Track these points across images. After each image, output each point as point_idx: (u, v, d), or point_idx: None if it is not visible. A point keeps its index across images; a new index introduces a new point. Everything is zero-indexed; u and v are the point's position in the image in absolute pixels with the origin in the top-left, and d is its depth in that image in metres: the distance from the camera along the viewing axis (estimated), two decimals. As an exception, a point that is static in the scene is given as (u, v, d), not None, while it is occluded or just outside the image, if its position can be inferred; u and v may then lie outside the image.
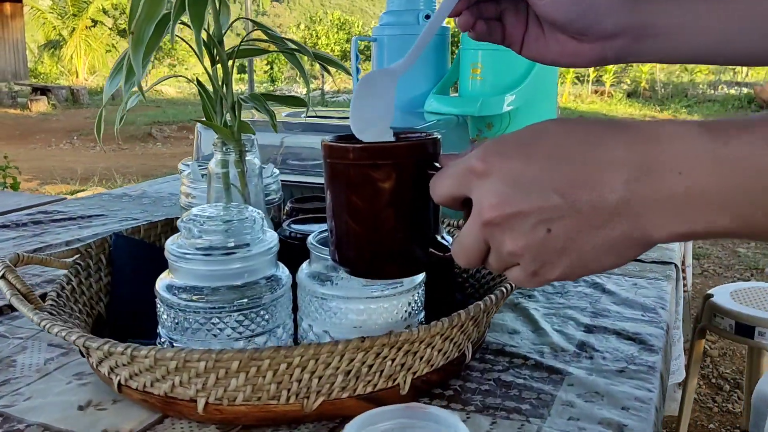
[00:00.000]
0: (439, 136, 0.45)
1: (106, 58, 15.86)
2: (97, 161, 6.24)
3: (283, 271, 0.55)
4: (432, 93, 1.03)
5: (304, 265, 0.57)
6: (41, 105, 10.84)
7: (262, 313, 0.52)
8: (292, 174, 0.86)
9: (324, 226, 0.63)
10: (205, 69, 0.59)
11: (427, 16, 1.05)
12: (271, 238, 0.54)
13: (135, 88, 0.53)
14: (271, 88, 12.39)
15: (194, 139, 0.95)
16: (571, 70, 10.80)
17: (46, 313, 0.53)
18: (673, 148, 0.34)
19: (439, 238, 0.45)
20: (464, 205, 0.40)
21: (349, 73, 0.60)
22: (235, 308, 0.51)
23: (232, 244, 0.52)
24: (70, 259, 0.65)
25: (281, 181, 0.83)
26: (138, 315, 0.61)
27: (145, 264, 0.70)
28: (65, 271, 0.63)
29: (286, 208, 0.75)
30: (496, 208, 0.36)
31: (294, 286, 0.56)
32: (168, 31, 0.49)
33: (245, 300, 0.51)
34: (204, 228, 0.52)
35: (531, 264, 0.37)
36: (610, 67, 9.55)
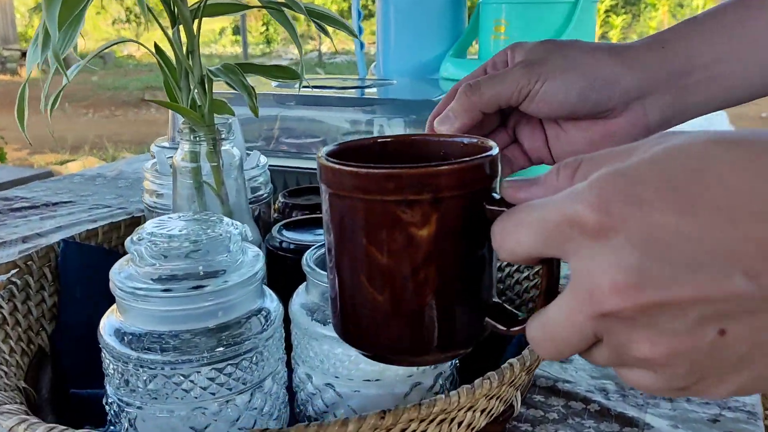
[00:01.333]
0: (496, 149, 0.30)
1: (97, 20, 15.52)
2: (89, 129, 6.05)
3: (272, 301, 0.42)
4: (448, 56, 0.88)
5: (300, 291, 0.43)
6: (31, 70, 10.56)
7: (244, 364, 0.38)
8: (285, 157, 0.72)
9: (325, 235, 0.49)
10: (164, 31, 0.45)
11: (440, -35, 0.89)
12: (255, 259, 0.40)
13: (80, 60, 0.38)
14: (268, 50, 12.00)
15: (169, 116, 0.80)
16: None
17: (-47, 366, 0.39)
18: None
19: (497, 303, 0.32)
20: (544, 261, 0.28)
21: (351, 33, 0.45)
22: (206, 361, 0.37)
23: (202, 273, 0.38)
24: (4, 277, 0.52)
25: (273, 167, 0.68)
26: (91, 348, 0.47)
27: (103, 279, 0.56)
28: (-3, 294, 0.49)
29: (278, 203, 0.61)
30: (628, 293, 0.23)
31: (287, 316, 0.43)
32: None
33: (221, 348, 0.38)
34: (162, 251, 0.38)
35: (681, 377, 0.24)
36: (616, 23, 9.23)
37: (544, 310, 0.27)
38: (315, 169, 0.73)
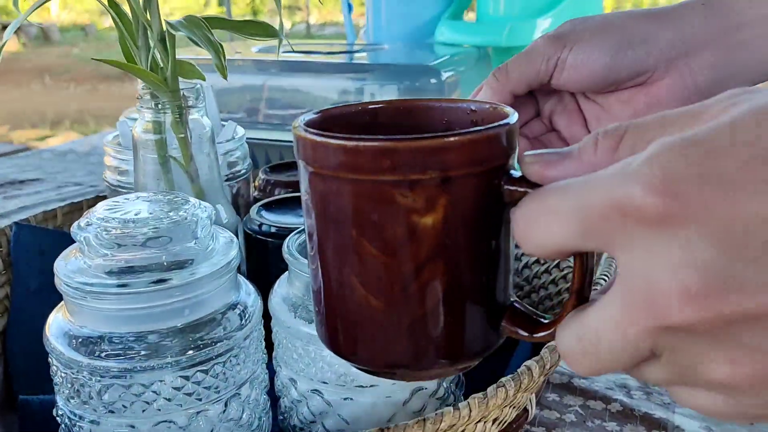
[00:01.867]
0: (515, 115, 0.25)
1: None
2: (70, 103, 5.90)
3: (249, 294, 0.36)
4: (443, 18, 0.81)
5: (282, 281, 0.38)
6: (11, 43, 10.35)
7: (216, 369, 0.33)
8: (268, 129, 0.66)
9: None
10: (117, -21, 0.38)
11: None
12: (227, 246, 0.34)
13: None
14: (253, 22, 11.70)
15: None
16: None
17: None
18: None
19: (516, 304, 0.26)
20: (577, 253, 0.23)
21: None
22: (171, 367, 0.32)
23: (164, 264, 0.32)
24: (-52, 267, 0.46)
25: (253, 140, 0.62)
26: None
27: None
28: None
29: (258, 179, 0.55)
30: (703, 301, 0.18)
31: (267, 310, 0.37)
32: None
33: (189, 352, 0.32)
34: (115, 238, 0.32)
35: (763, 405, 0.19)
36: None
37: (581, 317, 0.22)
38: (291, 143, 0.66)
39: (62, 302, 0.34)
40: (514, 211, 0.23)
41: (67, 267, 0.33)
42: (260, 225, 0.44)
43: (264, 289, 0.40)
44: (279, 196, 0.48)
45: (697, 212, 0.18)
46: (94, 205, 0.55)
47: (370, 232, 0.24)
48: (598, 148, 0.22)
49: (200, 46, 0.34)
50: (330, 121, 0.28)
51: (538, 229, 0.22)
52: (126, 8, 0.39)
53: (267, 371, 0.37)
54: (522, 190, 0.24)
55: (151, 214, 0.33)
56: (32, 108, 6.02)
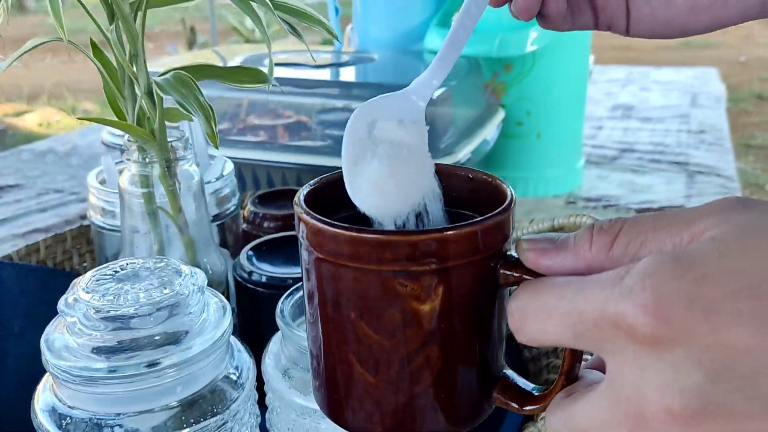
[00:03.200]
0: (512, 197, 0.26)
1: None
2: (48, 75, 5.77)
3: (241, 357, 0.35)
4: (432, 25, 0.80)
5: (274, 343, 0.37)
6: (-15, 12, 10.06)
7: (209, 443, 0.32)
8: (254, 148, 0.64)
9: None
10: (101, 31, 0.36)
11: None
12: (220, 315, 0.34)
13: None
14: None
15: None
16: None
17: None
18: None
19: (508, 374, 0.28)
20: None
21: (331, 33, 0.38)
22: (163, 446, 0.31)
23: (157, 341, 0.31)
24: (-72, 312, 0.44)
25: (240, 160, 0.61)
26: (34, 389, 0.40)
27: (48, 307, 0.49)
28: None
29: (247, 209, 0.54)
30: (688, 422, 0.19)
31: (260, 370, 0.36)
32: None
33: (184, 429, 0.31)
34: (103, 318, 0.31)
35: None
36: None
37: (570, 406, 0.23)
38: (287, 164, 0.65)
39: (48, 375, 0.33)
40: (510, 302, 0.24)
41: (54, 345, 0.31)
42: (250, 273, 0.43)
43: (255, 339, 0.40)
44: (268, 236, 0.47)
45: (685, 337, 0.19)
46: (76, 237, 0.54)
47: (369, 316, 0.25)
48: (593, 245, 0.23)
49: (189, 112, 0.33)
50: (330, 188, 0.29)
51: (533, 324, 0.23)
52: (111, 58, 0.37)
53: (260, 433, 0.37)
54: (517, 275, 0.25)
55: (141, 290, 0.32)
56: (8, 81, 5.88)
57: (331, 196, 0.29)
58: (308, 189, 0.28)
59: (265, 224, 0.52)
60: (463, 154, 0.63)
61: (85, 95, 5.01)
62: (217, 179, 0.47)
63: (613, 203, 0.80)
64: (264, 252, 0.45)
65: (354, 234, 0.24)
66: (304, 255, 0.27)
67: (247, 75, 0.39)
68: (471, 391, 0.27)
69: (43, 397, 0.33)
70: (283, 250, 0.45)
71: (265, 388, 0.36)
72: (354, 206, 0.28)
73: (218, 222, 0.48)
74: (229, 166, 0.48)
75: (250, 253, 0.44)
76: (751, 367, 0.19)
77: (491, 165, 0.82)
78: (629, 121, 1.14)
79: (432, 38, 0.78)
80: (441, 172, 0.30)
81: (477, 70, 0.76)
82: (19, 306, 0.48)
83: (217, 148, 0.33)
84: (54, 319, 0.34)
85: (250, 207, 0.53)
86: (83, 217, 0.77)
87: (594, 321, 0.21)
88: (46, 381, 0.34)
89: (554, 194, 0.83)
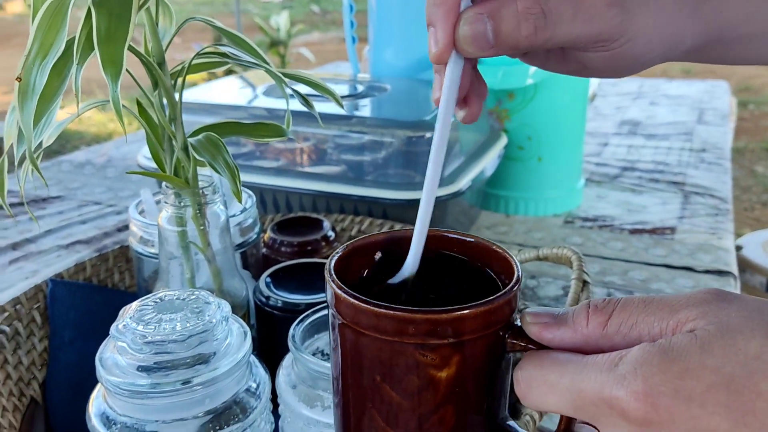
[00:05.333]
0: (519, 268, 0.30)
1: None
2: (79, 69, 5.89)
3: (258, 373, 0.42)
4: (442, 56, 0.85)
5: (287, 362, 0.44)
6: (17, 5, 10.30)
7: (231, 446, 0.39)
8: (273, 174, 0.71)
9: (315, 297, 0.49)
10: (147, 96, 0.43)
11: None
12: (241, 340, 0.40)
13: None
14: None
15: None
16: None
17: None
18: None
19: (511, 425, 0.31)
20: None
21: (339, 103, 0.44)
22: (194, 447, 0.38)
23: (189, 361, 0.38)
24: (-7, 324, 0.52)
25: (261, 185, 0.68)
26: (85, 391, 0.48)
27: (93, 318, 0.57)
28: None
29: (267, 235, 0.60)
30: None
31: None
32: (69, 75, 0.33)
33: (209, 434, 0.38)
34: (147, 342, 0.38)
35: None
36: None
37: None
38: (304, 190, 0.71)
39: (100, 385, 0.40)
40: (517, 371, 0.28)
41: (107, 363, 0.38)
42: (268, 298, 0.49)
43: (271, 355, 0.46)
44: (284, 263, 0.53)
45: (669, 422, 0.23)
46: (118, 256, 0.61)
47: (392, 380, 0.28)
48: (589, 322, 0.27)
49: (218, 172, 0.39)
50: (358, 254, 0.33)
51: (537, 395, 0.27)
52: (153, 116, 0.44)
53: (275, 438, 0.43)
54: (523, 344, 0.28)
55: (177, 320, 0.39)
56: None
57: (358, 260, 0.33)
58: (337, 256, 0.31)
59: (283, 249, 0.58)
60: (464, 183, 0.69)
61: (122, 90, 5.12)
62: (241, 212, 0.54)
63: (609, 223, 0.85)
64: (280, 278, 0.52)
65: (381, 310, 0.27)
66: (332, 320, 0.30)
67: (267, 130, 0.46)
68: None
69: (96, 404, 0.40)
70: (298, 277, 0.52)
71: (278, 399, 0.43)
72: (378, 269, 0.33)
73: (242, 249, 0.55)
74: (251, 201, 0.55)
75: (268, 279, 0.51)
76: None
77: (495, 186, 0.88)
78: (635, 138, 1.18)
79: (441, 68, 0.84)
80: (456, 239, 0.33)
81: (482, 99, 0.82)
82: (69, 319, 0.55)
83: (240, 203, 0.40)
84: (106, 341, 0.41)
85: (270, 233, 0.60)
86: (119, 230, 0.85)
87: (591, 400, 0.24)
88: (98, 390, 0.41)
89: (554, 213, 0.88)
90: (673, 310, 0.25)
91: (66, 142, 4.26)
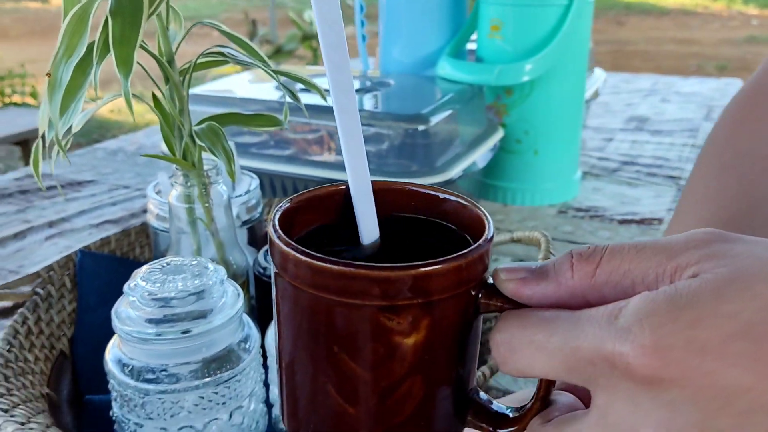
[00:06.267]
0: (491, 228, 0.26)
1: None
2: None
3: (250, 330, 0.49)
4: (445, 54, 0.91)
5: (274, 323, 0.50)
6: (57, -2, 10.60)
7: (224, 390, 0.46)
8: (280, 162, 0.78)
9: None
10: (159, 89, 0.50)
11: (441, -38, 0.91)
12: (235, 299, 0.47)
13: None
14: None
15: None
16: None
17: (-13, 383, 0.47)
18: None
19: (482, 397, 0.28)
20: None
21: (324, 97, 0.50)
22: (192, 388, 0.45)
23: (189, 317, 0.45)
24: (30, 287, 0.59)
25: (267, 171, 0.75)
26: (103, 348, 0.55)
27: (115, 285, 0.64)
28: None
29: (269, 216, 0.67)
30: None
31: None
32: (89, 75, 0.40)
33: (205, 379, 0.45)
34: (154, 298, 0.45)
35: None
36: None
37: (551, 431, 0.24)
38: (307, 176, 0.78)
39: (116, 336, 0.48)
40: (494, 334, 0.25)
41: (121, 315, 0.45)
42: (265, 269, 0.56)
43: (267, 318, 0.53)
44: (283, 239, 0.60)
45: (683, 378, 0.19)
46: (139, 233, 0.68)
47: (352, 349, 0.24)
48: (575, 272, 0.23)
49: (216, 156, 0.46)
50: (304, 208, 0.29)
51: (521, 358, 0.23)
52: (167, 106, 0.51)
53: (264, 387, 0.50)
54: (498, 304, 0.25)
55: (180, 280, 0.45)
56: (83, 67, 6.21)
57: (306, 214, 0.28)
58: (283, 208, 0.27)
59: (284, 228, 0.65)
60: (455, 173, 0.75)
61: (140, 83, 5.30)
62: (246, 193, 0.60)
63: (600, 213, 0.90)
64: (277, 252, 0.58)
65: (338, 268, 0.23)
66: (279, 283, 0.26)
67: (264, 121, 0.52)
68: (448, 417, 0.27)
69: (112, 351, 0.47)
70: (293, 251, 0.58)
71: (267, 354, 0.49)
72: (327, 221, 0.29)
73: (248, 225, 0.62)
74: (255, 183, 0.62)
75: (266, 253, 0.58)
76: (748, 406, 0.19)
77: (493, 177, 0.93)
78: (640, 134, 1.22)
79: (443, 66, 0.90)
80: (413, 191, 0.30)
81: (480, 94, 0.87)
82: (94, 285, 0.62)
83: (233, 182, 0.46)
84: (121, 298, 0.48)
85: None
86: (144, 211, 0.93)
87: (589, 359, 0.21)
88: (114, 340, 0.48)
89: (549, 204, 0.93)
90: (671, 253, 0.22)
91: (106, 132, 4.42)
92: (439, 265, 0.23)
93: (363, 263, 0.23)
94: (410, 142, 0.75)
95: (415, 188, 0.30)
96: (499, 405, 0.28)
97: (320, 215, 0.29)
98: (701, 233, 0.22)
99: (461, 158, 0.78)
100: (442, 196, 0.29)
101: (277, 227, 0.26)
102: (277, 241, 0.25)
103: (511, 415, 0.27)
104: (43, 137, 0.48)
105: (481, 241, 0.25)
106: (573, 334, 0.22)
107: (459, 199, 0.29)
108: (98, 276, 0.63)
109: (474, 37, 0.94)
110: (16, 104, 3.93)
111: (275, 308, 0.28)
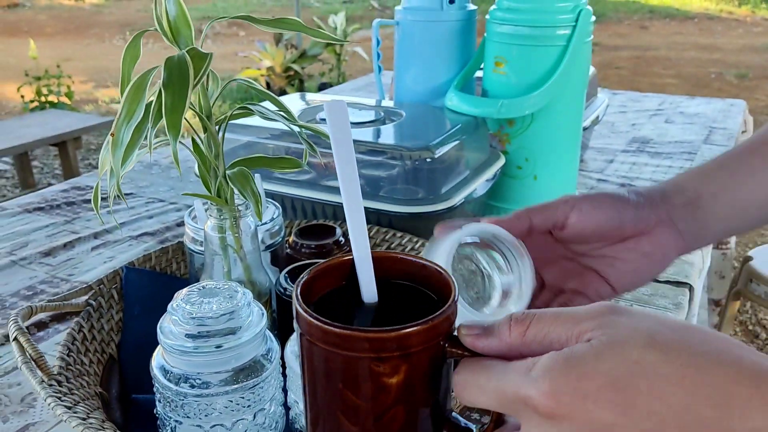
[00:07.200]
0: (455, 290, 0.35)
1: None
2: (151, 61, 6.20)
3: (272, 344, 0.57)
4: (453, 87, 0.99)
5: (293, 338, 0.59)
6: (93, -4, 10.83)
7: (249, 394, 0.55)
8: (300, 187, 0.87)
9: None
10: (197, 135, 0.59)
11: (451, 1, 0.99)
12: (259, 318, 0.56)
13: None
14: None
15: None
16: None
17: (54, 383, 0.56)
18: None
19: (454, 416, 0.38)
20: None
21: (314, 152, 0.59)
22: (223, 393, 0.54)
23: (222, 332, 0.53)
24: (83, 299, 0.69)
25: (286, 194, 0.83)
26: (149, 353, 0.64)
27: (156, 297, 0.73)
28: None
29: (291, 238, 0.76)
30: None
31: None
32: (144, 134, 0.49)
33: (234, 385, 0.54)
34: (192, 317, 0.53)
35: None
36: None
37: None
38: (323, 200, 0.87)
39: (159, 346, 0.57)
40: (454, 375, 0.34)
41: (164, 330, 0.54)
42: (285, 289, 0.65)
43: (286, 333, 0.61)
44: (300, 262, 0.69)
45: (570, 416, 0.28)
46: (175, 250, 0.77)
47: (352, 386, 0.34)
48: (511, 332, 0.32)
49: (246, 199, 0.55)
50: (320, 276, 0.39)
51: (470, 394, 0.33)
52: (204, 149, 0.60)
53: (283, 393, 0.59)
54: (459, 352, 0.34)
55: (214, 303, 0.54)
56: (115, 66, 6.39)
57: (321, 280, 0.39)
58: (302, 280, 0.37)
59: (302, 250, 0.74)
60: (457, 200, 0.83)
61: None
62: (270, 221, 0.69)
63: (594, 236, 0.97)
64: (296, 274, 0.67)
65: (340, 331, 0.33)
66: (300, 339, 0.36)
67: (287, 163, 0.61)
68: (428, 429, 0.36)
69: (157, 359, 0.56)
70: (309, 273, 0.67)
71: (285, 365, 0.58)
72: (337, 285, 0.39)
73: (271, 249, 0.71)
74: (278, 211, 0.71)
75: (286, 275, 0.67)
76: None
77: (497, 199, 1.01)
78: (641, 155, 1.28)
79: (451, 98, 0.98)
80: (402, 259, 0.40)
81: (484, 126, 0.95)
82: (138, 297, 0.72)
83: (260, 220, 0.55)
84: (164, 315, 0.57)
85: (293, 237, 0.75)
86: (178, 225, 1.02)
87: (511, 398, 0.30)
88: (158, 350, 0.57)
89: (548, 225, 1.01)
90: (576, 321, 0.31)
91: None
92: (414, 328, 0.32)
93: (359, 327, 0.33)
94: (418, 171, 0.84)
95: (403, 257, 0.40)
96: (468, 423, 0.37)
97: (332, 281, 0.39)
98: (599, 306, 0.31)
99: (464, 186, 0.86)
100: (422, 263, 0.39)
101: (299, 298, 0.36)
102: (300, 310, 0.35)
103: (475, 430, 0.36)
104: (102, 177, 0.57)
105: (446, 305, 0.34)
106: (503, 380, 0.31)
107: (436, 267, 0.38)
108: (141, 289, 0.72)
109: (480, 70, 1.02)
110: (52, 104, 4.08)
111: (300, 357, 0.38)
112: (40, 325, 0.76)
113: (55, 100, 4.08)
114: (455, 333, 0.34)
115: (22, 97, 4.06)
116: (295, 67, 4.73)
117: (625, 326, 0.29)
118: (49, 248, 0.95)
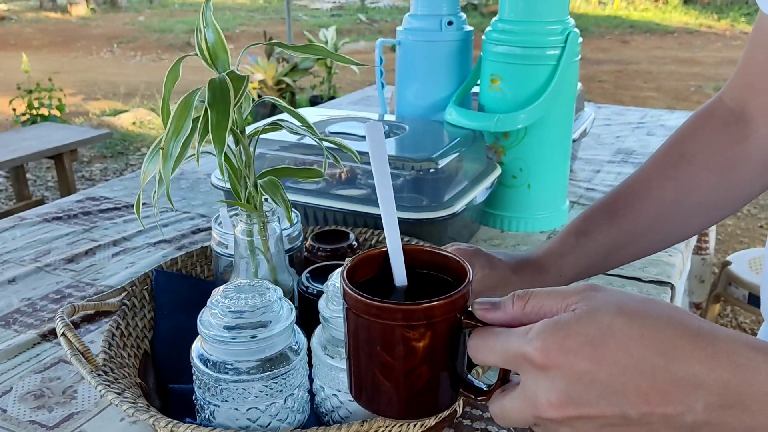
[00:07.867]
0: (470, 271, 0.43)
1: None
2: (139, 74, 6.28)
3: (299, 337, 0.64)
4: (452, 102, 1.06)
5: (318, 330, 0.65)
6: (80, 9, 10.86)
7: (280, 381, 0.61)
8: (316, 196, 0.93)
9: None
10: (230, 149, 0.65)
11: (450, 23, 1.06)
12: (289, 313, 0.62)
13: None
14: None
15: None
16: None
17: (101, 373, 0.62)
18: (757, 381, 0.34)
19: (469, 378, 0.45)
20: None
21: (356, 158, 0.65)
22: (257, 379, 0.60)
23: (255, 324, 0.60)
24: (118, 299, 0.75)
25: (303, 204, 0.90)
26: (179, 348, 0.70)
27: (183, 297, 0.79)
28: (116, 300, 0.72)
29: (308, 242, 0.82)
30: (558, 408, 0.36)
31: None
32: (193, 149, 0.55)
33: (266, 372, 0.60)
34: (230, 310, 0.60)
35: None
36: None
37: (503, 398, 0.40)
38: (337, 209, 0.93)
39: (199, 336, 0.63)
40: (469, 340, 0.41)
41: (204, 322, 0.61)
42: (307, 288, 0.71)
43: (309, 327, 0.68)
44: (320, 264, 0.75)
45: (558, 367, 0.36)
46: (200, 255, 0.83)
47: (387, 349, 0.41)
48: (514, 306, 0.40)
49: (276, 203, 0.61)
50: (361, 264, 0.47)
51: (482, 355, 0.40)
52: (233, 160, 0.66)
53: (308, 381, 0.65)
54: (473, 323, 0.41)
55: (249, 298, 0.61)
56: (104, 78, 6.45)
57: (362, 267, 0.47)
58: (347, 265, 0.45)
59: (319, 253, 0.80)
60: (458, 207, 0.90)
61: (173, 95, 5.47)
62: (291, 227, 0.76)
63: (584, 240, 1.04)
64: (316, 274, 0.73)
65: (378, 304, 0.41)
66: (345, 310, 0.43)
67: (310, 173, 0.68)
68: (445, 389, 0.43)
69: (196, 349, 0.62)
70: (328, 274, 0.73)
71: (312, 354, 0.64)
72: (374, 272, 0.47)
73: (290, 252, 0.77)
74: (297, 219, 0.77)
75: (308, 275, 0.73)
76: (590, 380, 0.35)
77: (493, 207, 1.08)
78: (626, 166, 1.36)
79: (450, 113, 1.05)
80: (428, 250, 0.48)
81: (481, 138, 1.02)
82: (167, 297, 0.78)
83: (290, 224, 0.61)
84: (204, 308, 0.62)
85: (310, 241, 0.82)
86: (193, 232, 1.08)
87: (513, 356, 0.38)
88: (198, 340, 0.63)
89: (541, 230, 1.08)
90: (564, 297, 0.38)
91: (129, 144, 4.59)
92: (437, 302, 0.40)
93: (394, 301, 0.41)
94: (422, 181, 0.90)
95: (429, 248, 0.49)
96: (480, 382, 0.44)
97: (370, 268, 0.47)
98: (582, 285, 0.39)
99: (465, 194, 0.93)
100: (443, 253, 0.47)
101: (345, 279, 0.44)
102: (347, 288, 0.43)
103: (485, 388, 0.43)
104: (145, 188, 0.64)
105: (462, 285, 0.42)
106: (507, 342, 0.38)
107: (454, 256, 0.46)
108: (170, 290, 0.78)
109: (477, 86, 1.09)
110: (43, 117, 4.11)
111: (346, 326, 0.44)
112: (74, 326, 0.82)
113: (47, 113, 4.11)
114: (470, 308, 0.42)
115: (14, 110, 4.09)
116: (287, 80, 4.81)
117: (600, 299, 0.37)
118: (71, 255, 1.00)
